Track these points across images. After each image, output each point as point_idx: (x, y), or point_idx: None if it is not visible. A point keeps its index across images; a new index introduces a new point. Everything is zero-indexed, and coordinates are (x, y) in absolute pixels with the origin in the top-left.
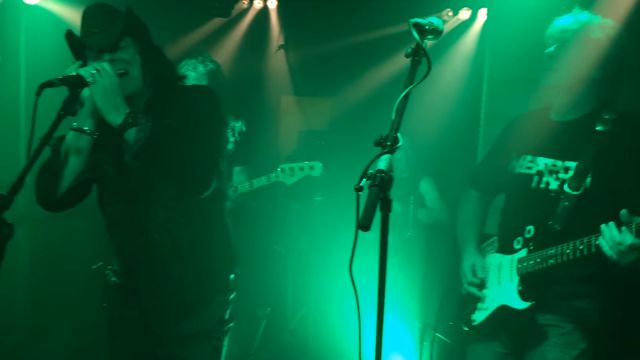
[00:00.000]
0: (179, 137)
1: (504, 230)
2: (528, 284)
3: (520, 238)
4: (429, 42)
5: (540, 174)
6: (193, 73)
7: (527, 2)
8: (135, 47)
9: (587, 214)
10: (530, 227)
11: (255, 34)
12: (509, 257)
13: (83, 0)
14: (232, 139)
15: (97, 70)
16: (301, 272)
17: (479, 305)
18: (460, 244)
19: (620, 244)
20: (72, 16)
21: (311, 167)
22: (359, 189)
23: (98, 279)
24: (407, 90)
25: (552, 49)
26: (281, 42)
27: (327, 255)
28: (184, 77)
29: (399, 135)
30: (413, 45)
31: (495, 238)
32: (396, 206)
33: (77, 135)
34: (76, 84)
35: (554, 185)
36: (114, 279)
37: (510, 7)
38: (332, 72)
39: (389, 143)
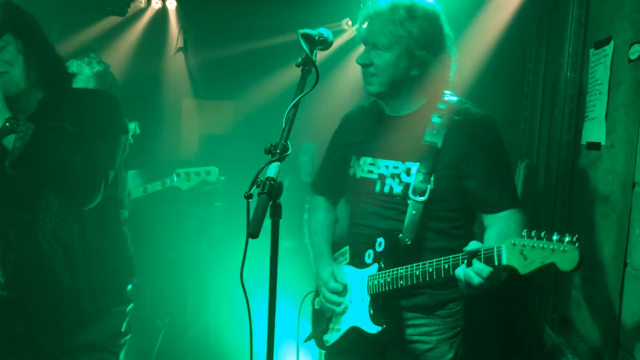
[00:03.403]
0: (64, 143)
1: (355, 240)
2: (379, 305)
3: (371, 251)
4: (319, 53)
5: (382, 177)
6: (79, 76)
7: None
8: (17, 46)
9: (436, 221)
10: (381, 240)
11: (153, 34)
12: (359, 272)
13: None
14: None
15: None
16: (202, 279)
17: (331, 325)
18: (314, 256)
19: (477, 275)
20: None
21: (207, 172)
22: (248, 196)
23: None
24: (297, 99)
25: (361, 59)
26: (180, 44)
27: (228, 261)
28: (74, 75)
29: (288, 143)
30: (303, 56)
31: (347, 248)
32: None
33: None
34: None
35: (397, 190)
36: None
37: None
38: (233, 75)
39: (278, 151)
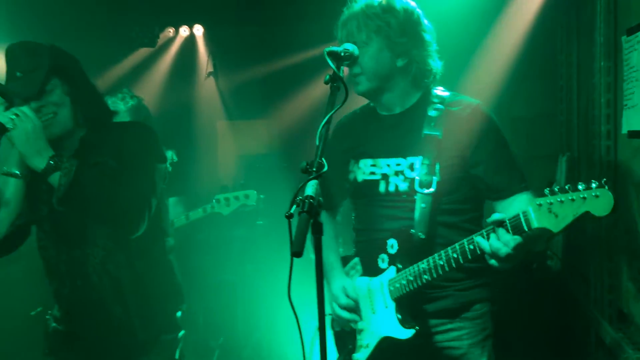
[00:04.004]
0: (108, 177)
1: (364, 248)
2: (406, 308)
3: (384, 255)
4: (346, 68)
5: (385, 177)
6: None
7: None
8: (64, 88)
9: (446, 214)
10: (393, 241)
11: (183, 62)
12: (377, 279)
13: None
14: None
15: (16, 115)
16: (250, 299)
17: (358, 342)
18: (325, 272)
19: (505, 246)
20: None
21: (246, 196)
22: (289, 216)
23: (38, 326)
24: (328, 116)
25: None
26: (210, 68)
27: (275, 278)
28: (115, 113)
29: (323, 160)
30: (331, 72)
31: (356, 259)
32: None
33: (7, 180)
34: None
35: (403, 187)
36: (54, 324)
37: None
38: (264, 94)
39: (314, 169)
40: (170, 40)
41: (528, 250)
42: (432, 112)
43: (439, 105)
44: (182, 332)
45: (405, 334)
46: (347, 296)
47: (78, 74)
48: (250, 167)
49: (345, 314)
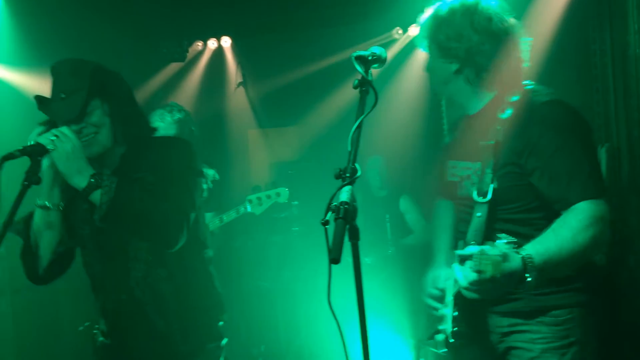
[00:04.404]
0: (147, 193)
1: (454, 243)
2: (461, 306)
3: None
4: (375, 71)
5: (461, 180)
6: (161, 123)
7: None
8: (104, 108)
9: (512, 222)
10: (460, 243)
11: (213, 74)
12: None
13: (37, 68)
14: (205, 186)
15: (56, 136)
16: (289, 305)
17: (440, 327)
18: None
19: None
20: (27, 83)
21: (277, 194)
22: (325, 222)
23: (86, 340)
24: (359, 120)
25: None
26: (239, 79)
27: (313, 284)
28: (155, 129)
29: (357, 165)
30: (359, 77)
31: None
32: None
33: (43, 212)
34: (36, 152)
35: (471, 191)
36: (101, 338)
37: None
38: (294, 100)
39: (348, 175)
40: (200, 54)
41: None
42: (501, 115)
43: (510, 105)
44: (225, 341)
45: (450, 329)
46: (435, 287)
47: (119, 93)
48: (282, 175)
49: (428, 301)
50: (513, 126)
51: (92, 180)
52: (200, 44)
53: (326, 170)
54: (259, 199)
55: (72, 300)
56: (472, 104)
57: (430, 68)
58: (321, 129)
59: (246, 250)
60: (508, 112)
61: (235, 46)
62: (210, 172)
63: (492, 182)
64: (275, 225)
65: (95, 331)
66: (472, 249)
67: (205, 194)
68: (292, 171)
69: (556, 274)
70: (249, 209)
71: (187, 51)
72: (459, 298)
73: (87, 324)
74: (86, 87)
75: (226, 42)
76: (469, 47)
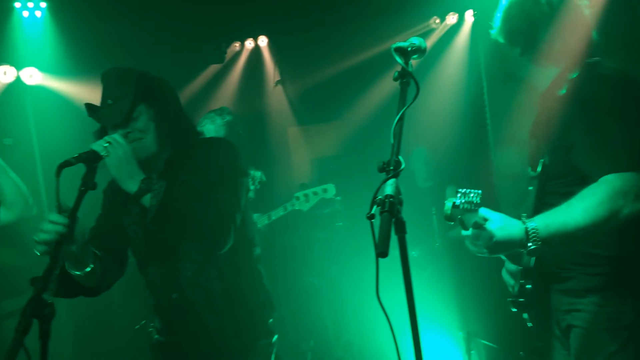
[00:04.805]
0: (194, 195)
1: None
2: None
3: None
4: (414, 61)
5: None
6: (212, 125)
7: None
8: (149, 114)
9: (564, 195)
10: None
11: (251, 73)
12: None
13: (82, 76)
14: (252, 187)
15: (109, 142)
16: (337, 300)
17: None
18: None
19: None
20: (74, 91)
21: (324, 190)
22: (370, 217)
23: (143, 337)
24: (401, 112)
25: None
26: (277, 77)
27: (359, 278)
28: (201, 133)
29: (400, 158)
30: (399, 69)
31: None
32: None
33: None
34: (91, 159)
35: (527, 167)
36: (156, 336)
37: (497, 3)
38: (332, 96)
39: (392, 167)
40: (237, 54)
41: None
42: (559, 91)
43: (567, 83)
44: (275, 337)
45: None
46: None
47: (164, 98)
48: (324, 170)
49: (505, 277)
50: (564, 102)
51: (142, 184)
52: (237, 44)
53: (368, 165)
54: (306, 195)
55: (127, 298)
56: (541, 83)
57: (500, 52)
58: (361, 123)
59: (291, 247)
60: (565, 89)
61: (272, 45)
62: (257, 174)
63: (542, 157)
64: (320, 221)
65: (150, 329)
66: (483, 211)
67: (251, 195)
68: (334, 166)
69: (570, 245)
70: (296, 206)
71: (226, 52)
72: (528, 272)
73: (143, 322)
74: (132, 93)
75: (263, 41)
76: (533, 29)
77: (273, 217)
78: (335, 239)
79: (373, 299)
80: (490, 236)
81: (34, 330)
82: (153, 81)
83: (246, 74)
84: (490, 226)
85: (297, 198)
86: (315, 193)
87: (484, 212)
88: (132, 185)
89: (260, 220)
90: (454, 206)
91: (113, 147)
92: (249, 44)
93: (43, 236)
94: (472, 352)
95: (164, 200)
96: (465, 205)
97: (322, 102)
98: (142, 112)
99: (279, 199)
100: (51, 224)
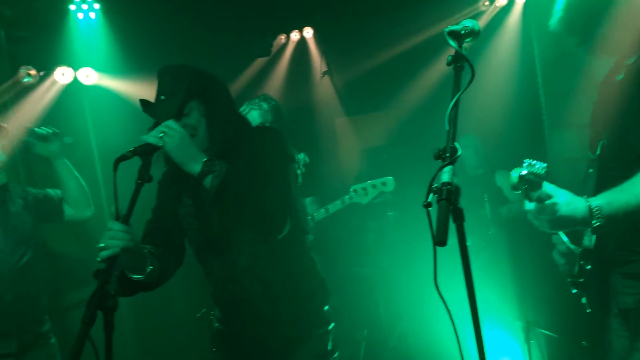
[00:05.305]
0: (249, 181)
1: None
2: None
3: None
4: (467, 45)
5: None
6: (258, 111)
7: None
8: (201, 110)
9: (610, 181)
10: None
11: (298, 65)
12: None
13: (136, 74)
14: (298, 172)
15: (163, 132)
16: (389, 289)
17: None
18: None
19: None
20: (128, 89)
21: (383, 183)
22: (427, 205)
23: (204, 326)
24: (456, 98)
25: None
26: (324, 68)
27: (412, 268)
28: (252, 129)
29: (456, 144)
30: (453, 53)
31: None
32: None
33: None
34: (147, 151)
35: (587, 150)
36: (217, 324)
37: None
38: (379, 86)
39: (448, 154)
40: (283, 47)
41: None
42: (617, 77)
43: (623, 69)
44: (332, 325)
45: None
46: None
47: (216, 95)
48: (373, 160)
49: (556, 257)
50: (622, 87)
51: (205, 166)
52: (283, 37)
53: (417, 154)
54: (364, 189)
55: (188, 287)
56: (598, 69)
57: (554, 33)
58: (409, 112)
59: (343, 237)
60: (622, 74)
61: (317, 36)
62: (300, 156)
63: (601, 140)
64: (371, 211)
65: (211, 317)
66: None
67: (300, 179)
68: (383, 156)
69: (633, 223)
70: (354, 199)
71: (272, 45)
72: (588, 254)
73: (203, 310)
74: (184, 89)
75: (308, 32)
76: (594, 21)
77: (331, 210)
78: (386, 228)
79: (426, 288)
80: (554, 211)
81: (98, 321)
82: (206, 79)
83: (292, 66)
84: (555, 201)
85: (355, 191)
86: (374, 186)
87: (548, 187)
88: (195, 167)
89: (318, 214)
90: (521, 176)
91: (168, 135)
92: (295, 35)
93: (104, 253)
94: (531, 342)
95: (224, 180)
96: (531, 176)
97: (370, 91)
98: (194, 108)
99: (331, 189)
100: (113, 240)
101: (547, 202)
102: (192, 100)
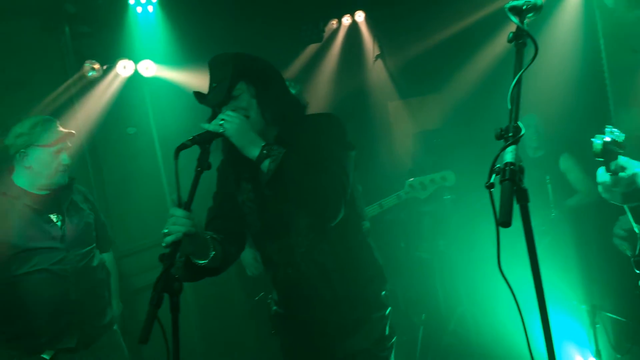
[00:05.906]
0: (307, 165)
1: None
2: None
3: None
4: (529, 20)
5: None
6: None
7: None
8: (250, 91)
9: None
10: None
11: (350, 49)
12: None
13: (193, 65)
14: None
15: (223, 119)
16: (447, 273)
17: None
18: None
19: None
20: (187, 80)
21: (443, 178)
22: (490, 186)
23: (262, 309)
24: (518, 75)
25: None
26: (377, 51)
27: (469, 252)
28: (306, 106)
29: (519, 123)
30: (514, 29)
31: None
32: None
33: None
34: (206, 139)
35: None
36: (275, 307)
37: None
38: (432, 68)
39: (510, 134)
40: (335, 32)
41: None
42: None
43: None
44: (389, 309)
45: None
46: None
47: (264, 76)
48: (427, 144)
49: (617, 242)
50: None
51: (264, 151)
52: (335, 22)
53: (472, 136)
54: (421, 183)
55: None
56: None
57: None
58: (463, 94)
59: (399, 221)
60: None
61: (369, 19)
62: None
63: None
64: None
65: (269, 301)
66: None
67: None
68: (437, 140)
69: None
70: (411, 194)
71: (324, 31)
72: None
73: (261, 293)
74: (230, 74)
75: (360, 16)
76: None
77: (385, 206)
78: (441, 212)
79: (484, 271)
80: (631, 182)
81: (164, 304)
82: (250, 60)
83: (345, 50)
84: (632, 172)
85: (411, 186)
86: (432, 181)
87: (624, 160)
88: (254, 151)
89: (371, 209)
90: (605, 142)
91: (228, 122)
92: (346, 20)
93: (168, 239)
94: (597, 325)
95: (281, 164)
96: (613, 145)
97: (423, 73)
98: (243, 90)
99: (383, 173)
100: (175, 225)
101: (622, 174)
102: (240, 82)
